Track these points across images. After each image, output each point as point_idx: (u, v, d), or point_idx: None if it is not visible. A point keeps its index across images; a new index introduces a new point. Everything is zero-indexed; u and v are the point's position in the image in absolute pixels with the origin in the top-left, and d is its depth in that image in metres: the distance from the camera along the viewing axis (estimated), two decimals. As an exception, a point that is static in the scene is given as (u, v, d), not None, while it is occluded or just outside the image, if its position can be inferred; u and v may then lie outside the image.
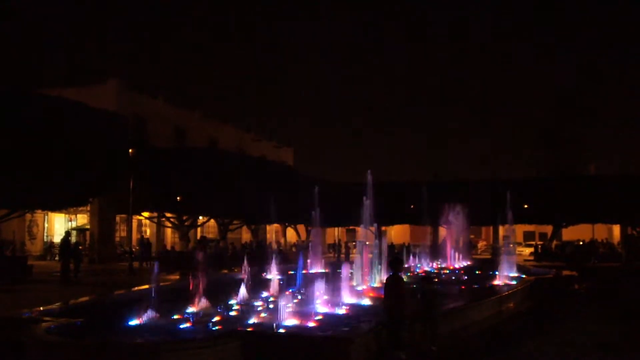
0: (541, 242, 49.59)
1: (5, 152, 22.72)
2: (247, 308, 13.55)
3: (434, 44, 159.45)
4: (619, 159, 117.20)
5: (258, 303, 14.39)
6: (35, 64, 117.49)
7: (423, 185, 44.05)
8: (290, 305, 12.48)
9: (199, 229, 41.92)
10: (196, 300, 13.49)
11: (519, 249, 46.16)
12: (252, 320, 11.90)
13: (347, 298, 14.96)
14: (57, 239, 36.26)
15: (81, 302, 14.37)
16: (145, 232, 43.08)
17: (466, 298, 17.07)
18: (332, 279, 16.11)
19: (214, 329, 10.99)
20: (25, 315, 11.45)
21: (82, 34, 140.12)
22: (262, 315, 12.55)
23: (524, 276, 22.16)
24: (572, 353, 11.07)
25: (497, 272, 22.35)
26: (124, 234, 41.72)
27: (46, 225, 41.84)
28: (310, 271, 22.45)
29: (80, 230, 41.46)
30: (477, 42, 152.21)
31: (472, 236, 51.90)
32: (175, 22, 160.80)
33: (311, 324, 11.36)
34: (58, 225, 42.10)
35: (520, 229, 54.75)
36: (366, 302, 15.14)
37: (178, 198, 34.02)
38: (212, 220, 41.13)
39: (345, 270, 16.07)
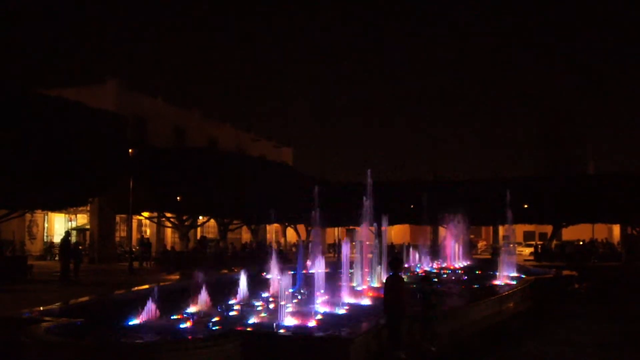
0: (541, 242, 49.60)
1: (5, 152, 22.72)
2: (247, 308, 13.55)
3: (434, 43, 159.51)
4: (619, 159, 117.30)
5: (258, 303, 14.39)
6: (35, 64, 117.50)
7: (423, 185, 44.08)
8: (290, 305, 12.48)
9: (198, 229, 41.94)
10: (196, 300, 13.49)
11: (519, 248, 46.17)
12: (252, 320, 11.90)
13: (347, 298, 14.97)
14: (57, 239, 36.28)
15: (81, 302, 14.36)
16: (145, 232, 43.09)
17: (466, 298, 17.07)
18: (332, 279, 16.12)
19: (214, 328, 10.98)
20: (25, 315, 11.44)
21: (82, 34, 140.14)
22: (262, 315, 12.55)
23: (523, 276, 22.15)
24: (572, 353, 11.07)
25: (497, 272, 22.34)
26: (123, 233, 41.74)
27: (46, 225, 41.86)
28: (310, 271, 22.46)
29: (80, 230, 41.48)
30: (477, 42, 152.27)
31: (472, 236, 51.91)
32: (175, 22, 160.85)
33: (311, 324, 11.36)
34: (58, 225, 42.11)
35: (520, 229, 54.77)
36: (366, 301, 15.15)
37: (178, 198, 34.04)
38: (212, 220, 41.15)
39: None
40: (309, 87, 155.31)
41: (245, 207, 36.69)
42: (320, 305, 13.37)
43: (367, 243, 20.33)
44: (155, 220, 40.65)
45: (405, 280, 11.76)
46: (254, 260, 24.46)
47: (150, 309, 11.78)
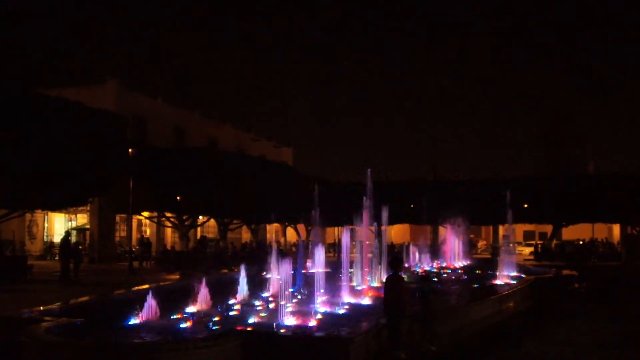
0: (541, 242, 49.59)
1: (5, 152, 22.73)
2: (247, 308, 13.55)
3: (434, 43, 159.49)
4: (619, 159, 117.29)
5: (258, 303, 14.39)
6: (35, 64, 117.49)
7: (423, 185, 44.07)
8: (290, 304, 12.48)
9: (198, 229, 41.95)
10: (196, 299, 13.50)
11: (519, 248, 46.16)
12: (252, 320, 11.90)
13: (347, 297, 14.97)
14: (57, 238, 36.29)
15: (81, 302, 14.37)
16: (145, 231, 43.09)
17: (466, 297, 17.08)
18: (332, 279, 16.13)
19: (214, 328, 10.99)
20: (25, 315, 11.44)
21: (82, 34, 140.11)
22: (262, 314, 12.55)
23: (523, 276, 22.15)
24: (572, 353, 11.07)
25: (496, 272, 22.35)
26: (123, 233, 41.75)
27: (46, 225, 41.86)
28: (310, 271, 22.46)
29: (80, 230, 41.49)
30: (477, 42, 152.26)
31: (472, 236, 51.91)
32: (175, 22, 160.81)
33: (311, 324, 11.37)
34: (58, 225, 42.11)
35: (520, 229, 54.78)
36: (366, 301, 15.16)
37: (178, 198, 34.04)
38: (212, 220, 41.16)
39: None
40: (309, 87, 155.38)
41: (245, 207, 36.70)
42: (320, 305, 13.38)
43: (367, 243, 20.34)
44: (155, 220, 40.66)
45: (405, 279, 11.77)
46: (254, 259, 24.46)
47: (150, 308, 11.78)
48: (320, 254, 17.43)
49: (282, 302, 11.58)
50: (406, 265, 26.31)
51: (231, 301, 14.61)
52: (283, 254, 21.16)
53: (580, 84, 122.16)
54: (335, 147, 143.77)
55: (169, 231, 44.50)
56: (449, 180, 52.77)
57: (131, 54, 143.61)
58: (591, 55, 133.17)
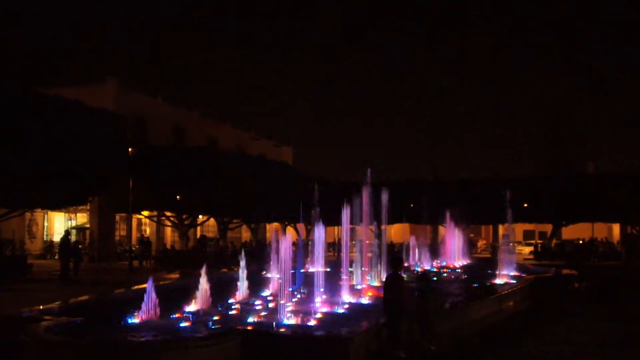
0: (541, 241, 49.61)
1: (5, 152, 22.72)
2: (246, 307, 13.55)
3: (434, 43, 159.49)
4: (619, 159, 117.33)
5: (258, 302, 14.39)
6: (35, 64, 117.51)
7: (423, 185, 44.05)
8: (290, 304, 12.48)
9: (198, 228, 41.96)
10: (196, 298, 13.50)
11: (519, 247, 46.17)
12: (252, 319, 11.90)
13: (347, 297, 14.98)
14: (57, 237, 36.29)
15: (81, 301, 14.39)
16: (145, 231, 43.11)
17: (466, 297, 17.08)
18: (332, 278, 16.13)
19: (213, 327, 10.99)
20: (25, 314, 11.45)
21: (82, 34, 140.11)
22: (262, 314, 12.55)
23: (523, 275, 22.16)
24: (572, 352, 11.07)
25: (496, 271, 22.35)
26: (123, 232, 41.76)
27: (46, 224, 41.86)
28: (310, 270, 22.47)
29: (80, 229, 41.51)
30: (477, 42, 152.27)
31: (472, 235, 51.90)
32: (175, 22, 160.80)
33: (311, 323, 11.37)
34: (58, 224, 42.11)
35: (520, 228, 54.74)
36: (366, 300, 15.16)
37: (178, 197, 34.04)
38: (211, 219, 41.17)
39: None
40: (309, 87, 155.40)
41: (245, 206, 36.69)
42: (320, 304, 13.38)
43: (367, 242, 20.35)
44: (155, 219, 40.67)
45: (405, 279, 11.77)
46: (254, 259, 24.41)
47: (150, 308, 11.78)
48: (320, 253, 17.42)
49: (282, 302, 11.59)
50: (406, 265, 26.32)
51: (231, 300, 14.62)
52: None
53: (580, 84, 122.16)
54: (335, 146, 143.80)
55: (168, 230, 44.51)
56: (449, 180, 52.74)
57: (131, 54, 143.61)
58: (591, 55, 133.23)
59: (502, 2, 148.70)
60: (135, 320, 11.45)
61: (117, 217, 40.71)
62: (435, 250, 35.11)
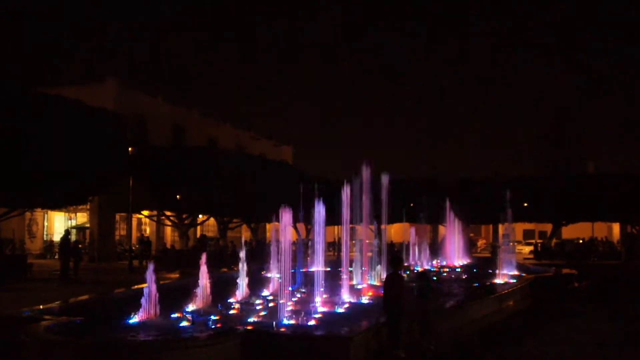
0: (541, 241, 49.61)
1: (5, 152, 22.71)
2: (246, 306, 13.55)
3: (434, 43, 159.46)
4: (618, 159, 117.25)
5: (258, 301, 14.39)
6: (35, 63, 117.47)
7: (423, 185, 44.02)
8: (289, 303, 12.48)
9: (198, 228, 41.98)
10: (196, 298, 13.50)
11: (519, 247, 46.18)
12: (252, 318, 11.90)
13: (347, 296, 14.97)
14: (57, 237, 36.30)
15: (81, 301, 14.40)
16: (145, 230, 43.11)
17: (466, 296, 17.08)
18: (332, 277, 16.12)
19: (213, 327, 10.99)
20: (25, 313, 11.45)
21: (82, 34, 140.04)
22: (262, 313, 12.55)
23: (523, 274, 22.15)
24: (572, 352, 11.07)
25: (496, 271, 22.35)
26: (123, 232, 41.77)
27: (46, 223, 41.87)
28: (310, 269, 22.47)
29: (80, 228, 41.52)
30: (477, 42, 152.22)
31: (471, 234, 51.91)
32: (175, 21, 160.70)
33: (311, 323, 11.37)
34: (58, 224, 42.12)
35: (520, 227, 54.73)
36: (366, 300, 15.16)
37: (178, 197, 34.04)
38: (211, 219, 41.17)
39: None
40: (309, 87, 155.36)
41: (245, 205, 36.68)
42: (320, 304, 13.38)
43: (367, 241, 20.34)
44: (155, 218, 40.67)
45: (405, 278, 11.77)
46: (254, 258, 24.38)
47: (150, 307, 11.78)
48: (319, 252, 17.41)
49: (282, 301, 11.59)
50: (405, 264, 26.32)
51: (231, 300, 14.62)
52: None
53: (580, 84, 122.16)
54: (335, 146, 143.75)
55: (168, 230, 44.52)
56: (449, 178, 52.71)
57: (131, 54, 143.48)
58: (591, 55, 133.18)
59: (502, 2, 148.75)
60: (135, 319, 11.45)
61: (117, 216, 40.71)
62: (435, 249, 35.12)
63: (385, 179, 22.40)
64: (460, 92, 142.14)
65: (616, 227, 53.82)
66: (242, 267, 15.64)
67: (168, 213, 37.48)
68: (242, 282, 15.55)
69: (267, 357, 9.12)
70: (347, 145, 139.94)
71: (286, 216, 12.33)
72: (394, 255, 12.58)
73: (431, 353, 10.41)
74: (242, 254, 15.92)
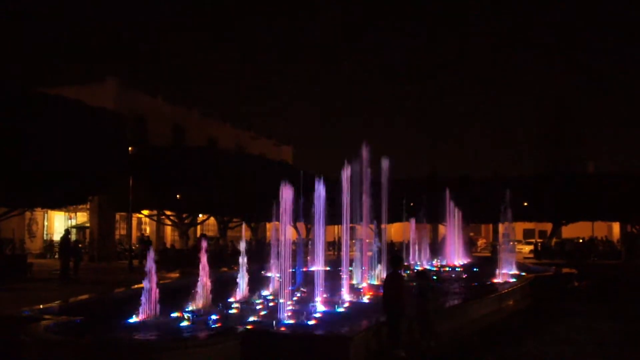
0: (541, 240, 49.59)
1: (5, 151, 22.71)
2: (246, 306, 13.55)
3: (434, 43, 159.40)
4: (618, 159, 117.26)
5: (258, 301, 14.39)
6: (35, 63, 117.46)
7: (423, 184, 44.02)
8: (289, 303, 12.47)
9: (198, 227, 42.01)
10: (196, 298, 13.50)
11: (519, 246, 46.17)
12: (252, 318, 11.89)
13: (347, 296, 14.97)
14: (57, 237, 36.30)
15: (81, 300, 14.40)
16: (145, 230, 43.11)
17: (466, 296, 17.08)
18: (332, 277, 16.12)
19: (213, 327, 10.99)
20: (25, 313, 11.45)
21: (82, 34, 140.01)
22: (262, 313, 12.54)
23: (523, 274, 22.14)
24: (572, 352, 11.06)
25: (496, 270, 22.34)
26: (123, 232, 41.77)
27: (46, 223, 41.88)
28: (310, 269, 22.46)
29: (80, 228, 41.52)
30: (477, 42, 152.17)
31: (471, 234, 51.89)
32: (175, 21, 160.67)
33: (311, 322, 11.36)
34: (58, 224, 42.13)
35: (520, 227, 54.73)
36: (366, 299, 15.15)
37: (178, 196, 34.04)
38: (211, 219, 41.17)
39: None
40: (309, 87, 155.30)
41: (245, 205, 36.69)
42: (320, 303, 13.37)
43: (367, 241, 20.33)
44: (155, 218, 40.67)
45: (405, 278, 11.76)
46: (254, 258, 24.36)
47: (149, 307, 11.78)
48: (319, 252, 17.41)
49: (282, 301, 11.58)
50: (405, 264, 26.32)
51: (231, 299, 14.61)
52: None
53: (580, 84, 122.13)
54: (335, 146, 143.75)
55: (168, 229, 44.52)
56: (449, 178, 52.68)
57: (131, 54, 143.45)
58: (591, 55, 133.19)
59: (502, 2, 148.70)
60: (135, 319, 11.45)
61: (117, 216, 40.73)
62: (435, 249, 35.12)
63: (385, 163, 22.43)
64: (460, 92, 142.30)
65: (616, 227, 53.82)
66: (242, 267, 15.64)
67: (168, 213, 37.48)
68: (242, 281, 15.54)
69: (267, 356, 9.11)
70: (347, 145, 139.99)
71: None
72: (395, 255, 12.57)
73: (431, 352, 10.41)
74: (242, 254, 15.91)
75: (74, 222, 42.38)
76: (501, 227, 45.30)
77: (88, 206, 38.89)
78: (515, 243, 38.39)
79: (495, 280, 20.88)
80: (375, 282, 18.80)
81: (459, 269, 27.70)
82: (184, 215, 37.19)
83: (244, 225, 21.53)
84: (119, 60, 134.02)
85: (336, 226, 55.10)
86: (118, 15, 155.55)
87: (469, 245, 40.87)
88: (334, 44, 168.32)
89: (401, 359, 9.86)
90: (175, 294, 13.86)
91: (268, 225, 53.48)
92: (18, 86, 27.27)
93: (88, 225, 40.42)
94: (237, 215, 40.43)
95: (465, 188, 45.43)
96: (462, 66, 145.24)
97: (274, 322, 10.92)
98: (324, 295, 14.32)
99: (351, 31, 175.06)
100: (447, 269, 27.87)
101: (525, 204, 42.47)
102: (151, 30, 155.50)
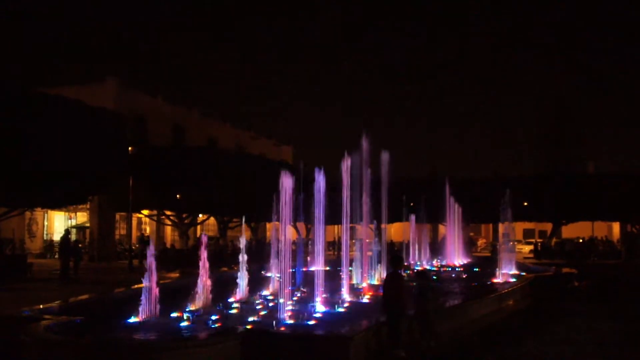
0: (541, 240, 49.60)
1: (5, 151, 22.72)
2: (246, 306, 13.55)
3: (434, 43, 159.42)
4: (618, 159, 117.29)
5: (258, 301, 14.39)
6: (35, 63, 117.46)
7: (423, 184, 44.02)
8: (289, 303, 12.47)
9: (198, 227, 42.03)
10: (196, 298, 13.50)
11: (519, 246, 46.19)
12: (252, 318, 11.89)
13: (347, 296, 14.96)
14: (57, 237, 36.31)
15: (81, 300, 14.40)
16: (145, 230, 43.12)
17: (466, 296, 17.07)
18: (332, 277, 16.12)
19: (213, 327, 10.99)
20: (25, 313, 11.45)
21: (82, 34, 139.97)
22: (262, 313, 12.54)
23: (523, 274, 22.15)
24: (572, 352, 11.06)
25: (496, 270, 22.34)
26: (123, 232, 41.78)
27: (46, 223, 41.89)
28: (310, 269, 22.46)
29: (80, 228, 41.53)
30: (477, 42, 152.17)
31: (471, 234, 51.90)
32: (175, 21, 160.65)
33: (311, 322, 11.36)
34: (58, 223, 42.14)
35: (520, 227, 54.76)
36: (366, 299, 15.15)
37: (178, 196, 34.04)
38: (211, 218, 41.17)
39: None
40: (309, 87, 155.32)
41: (245, 205, 36.68)
42: (320, 303, 13.37)
43: (367, 241, 20.34)
44: (155, 218, 40.67)
45: (405, 277, 11.76)
46: (254, 258, 24.37)
47: (149, 307, 11.78)
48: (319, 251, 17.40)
49: (282, 301, 11.58)
50: (405, 264, 26.32)
51: (231, 299, 14.61)
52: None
53: (580, 84, 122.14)
54: (335, 146, 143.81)
55: (168, 229, 44.52)
56: (449, 178, 52.66)
57: (131, 54, 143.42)
58: (591, 55, 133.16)
59: (502, 2, 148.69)
60: (135, 319, 11.45)
61: (117, 216, 40.74)
62: (435, 249, 35.13)
63: (385, 156, 22.44)
64: (460, 92, 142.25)
65: (616, 227, 53.84)
66: (242, 267, 15.63)
67: (168, 213, 37.48)
68: (242, 281, 15.54)
69: (267, 356, 9.11)
70: (347, 146, 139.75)
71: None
72: (394, 255, 12.56)
73: (431, 352, 10.40)
74: (242, 251, 15.92)
75: (74, 222, 42.39)
76: (501, 227, 45.30)
77: (88, 206, 38.90)
78: (515, 243, 38.41)
79: (495, 280, 20.88)
80: (375, 282, 18.80)
81: (459, 269, 27.71)
82: (184, 215, 37.19)
83: (244, 225, 21.49)
84: (119, 60, 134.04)
85: (336, 226, 55.27)
86: (118, 15, 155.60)
87: (469, 245, 40.89)
88: (334, 44, 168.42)
89: (401, 359, 9.86)
90: (175, 294, 13.85)
91: (268, 225, 53.53)
92: (18, 86, 27.27)
93: (88, 225, 40.42)
94: (237, 215, 40.40)
95: (465, 188, 45.47)
96: (462, 66, 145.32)
97: (274, 322, 10.92)
98: (324, 295, 14.31)
99: (351, 31, 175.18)
100: (447, 268, 27.88)
101: (525, 204, 42.47)
102: (151, 30, 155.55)
